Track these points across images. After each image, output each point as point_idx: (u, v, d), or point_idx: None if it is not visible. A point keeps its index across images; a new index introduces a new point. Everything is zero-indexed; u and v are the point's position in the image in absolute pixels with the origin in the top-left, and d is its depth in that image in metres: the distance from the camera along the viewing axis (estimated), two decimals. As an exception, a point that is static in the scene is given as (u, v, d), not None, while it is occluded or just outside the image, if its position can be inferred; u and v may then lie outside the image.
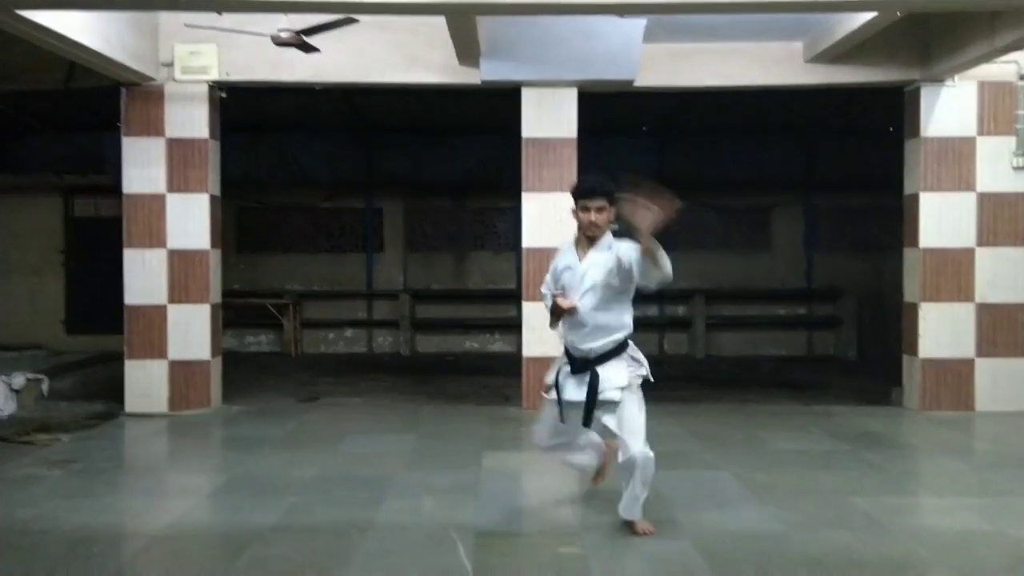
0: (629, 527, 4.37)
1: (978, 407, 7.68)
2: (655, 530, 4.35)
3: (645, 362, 4.45)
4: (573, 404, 4.34)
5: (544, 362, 7.74)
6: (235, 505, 4.91)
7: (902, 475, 5.69)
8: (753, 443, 6.52)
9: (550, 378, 4.49)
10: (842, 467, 5.78)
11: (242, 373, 9.84)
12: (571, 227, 7.77)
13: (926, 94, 7.68)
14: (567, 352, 4.43)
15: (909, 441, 6.83)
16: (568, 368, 4.40)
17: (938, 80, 7.62)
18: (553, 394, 4.44)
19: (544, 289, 4.60)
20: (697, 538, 4.30)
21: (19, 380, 8.21)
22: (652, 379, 4.46)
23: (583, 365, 4.33)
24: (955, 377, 7.71)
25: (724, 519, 4.64)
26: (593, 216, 4.30)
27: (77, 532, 4.41)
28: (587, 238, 4.38)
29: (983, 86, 7.65)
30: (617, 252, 4.26)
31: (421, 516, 4.70)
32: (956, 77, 7.59)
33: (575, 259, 4.39)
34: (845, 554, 4.07)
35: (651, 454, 4.27)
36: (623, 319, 4.39)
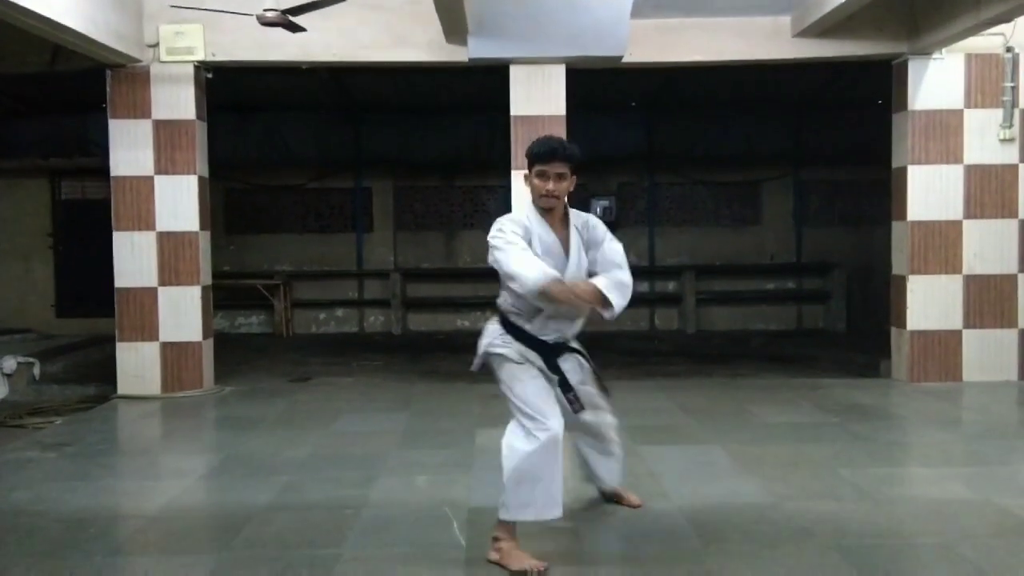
0: (616, 498, 4.44)
1: (965, 378, 7.76)
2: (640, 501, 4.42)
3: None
4: (569, 388, 3.80)
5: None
6: (230, 485, 4.94)
7: (890, 446, 5.76)
8: (743, 417, 6.58)
9: (513, 352, 3.77)
10: (830, 439, 5.85)
11: (234, 354, 9.85)
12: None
13: (914, 67, 7.70)
14: (527, 335, 3.77)
15: (897, 412, 6.90)
16: (535, 352, 3.78)
17: (926, 53, 7.63)
18: (531, 370, 3.74)
19: (522, 254, 3.57)
20: (687, 510, 4.35)
21: (10, 364, 8.22)
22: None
23: (557, 349, 3.82)
24: (942, 348, 7.78)
25: (714, 491, 4.70)
26: (552, 184, 3.75)
27: (73, 514, 4.44)
28: (542, 210, 3.79)
29: (970, 58, 7.67)
30: (587, 237, 3.83)
31: (414, 493, 4.74)
32: (944, 50, 7.60)
33: (553, 237, 3.75)
34: (833, 524, 4.13)
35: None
36: None
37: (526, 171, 3.93)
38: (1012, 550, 3.80)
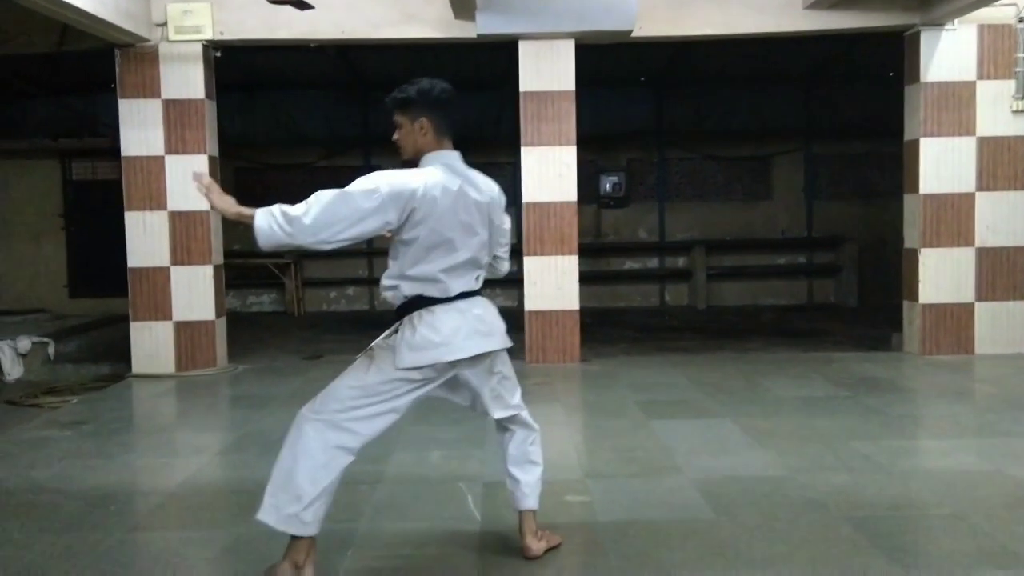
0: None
1: (977, 350, 7.76)
2: None
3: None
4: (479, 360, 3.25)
5: (546, 316, 7.83)
6: (246, 462, 4.99)
7: (902, 418, 5.77)
8: (754, 390, 6.59)
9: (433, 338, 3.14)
10: (842, 412, 5.86)
11: (246, 333, 9.90)
12: (570, 181, 7.83)
13: (926, 38, 7.63)
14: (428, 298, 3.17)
15: (909, 385, 6.90)
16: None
17: (938, 24, 7.56)
18: (428, 356, 3.12)
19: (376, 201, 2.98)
20: (700, 483, 4.37)
21: (25, 344, 8.28)
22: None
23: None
24: (955, 321, 7.77)
25: (726, 464, 4.71)
26: (395, 135, 3.37)
27: (92, 491, 4.49)
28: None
29: (983, 29, 7.60)
30: None
31: (429, 469, 4.78)
32: (956, 21, 7.53)
33: (472, 188, 3.26)
34: (845, 496, 4.15)
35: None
36: None
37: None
38: (1025, 521, 3.82)
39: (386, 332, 3.25)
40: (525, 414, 3.54)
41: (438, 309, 3.16)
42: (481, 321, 3.24)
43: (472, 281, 3.27)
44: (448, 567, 3.46)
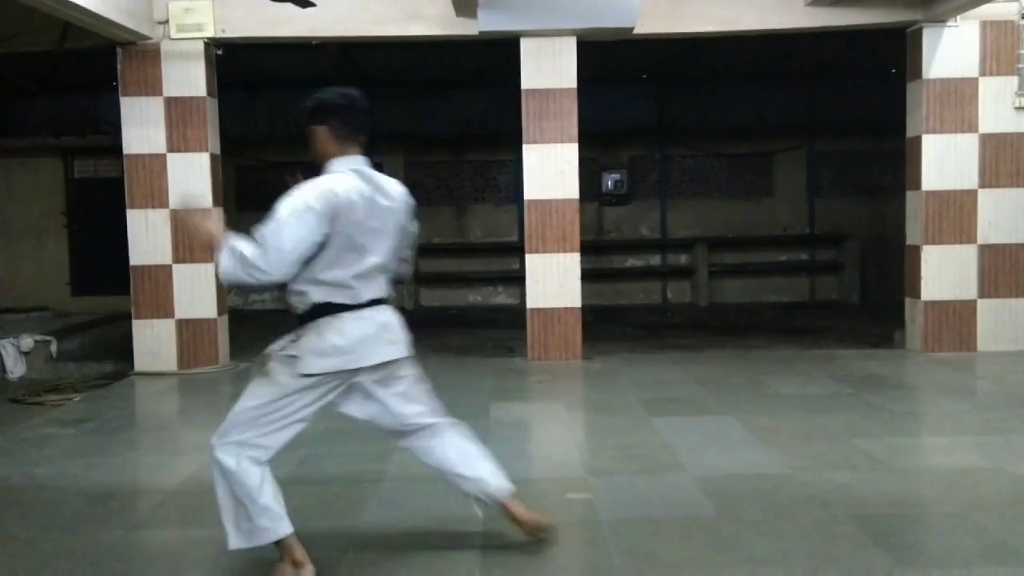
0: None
1: (980, 347, 7.75)
2: None
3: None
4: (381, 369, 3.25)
5: (548, 313, 7.83)
6: (248, 459, 4.98)
7: (904, 416, 5.76)
8: (757, 388, 6.59)
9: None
10: (845, 409, 5.85)
11: (247, 331, 9.89)
12: (571, 178, 7.82)
13: (928, 35, 7.62)
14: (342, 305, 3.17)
15: (911, 382, 6.90)
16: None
17: (940, 20, 7.54)
18: (334, 363, 3.13)
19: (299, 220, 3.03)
20: (702, 480, 4.37)
21: (27, 342, 8.30)
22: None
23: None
24: (957, 318, 7.76)
25: (728, 462, 4.71)
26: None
27: (94, 489, 4.49)
28: None
29: (985, 26, 7.58)
30: None
31: (431, 466, 4.76)
32: (958, 17, 7.52)
33: (381, 194, 3.23)
34: (848, 493, 4.15)
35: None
36: None
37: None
38: (1027, 518, 3.81)
39: (282, 341, 3.26)
40: (441, 416, 3.52)
41: (345, 316, 3.15)
42: (387, 329, 3.25)
43: (380, 288, 3.28)
44: (450, 565, 3.46)
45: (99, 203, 11.38)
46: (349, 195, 3.10)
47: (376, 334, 3.19)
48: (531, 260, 7.84)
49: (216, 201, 7.80)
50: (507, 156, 12.27)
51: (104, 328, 9.86)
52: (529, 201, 7.83)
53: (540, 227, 7.81)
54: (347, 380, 3.23)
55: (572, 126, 7.74)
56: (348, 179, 3.16)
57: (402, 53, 10.43)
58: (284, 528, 3.19)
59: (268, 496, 3.16)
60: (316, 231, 3.03)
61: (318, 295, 3.16)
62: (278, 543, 3.20)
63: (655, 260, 12.84)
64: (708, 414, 5.83)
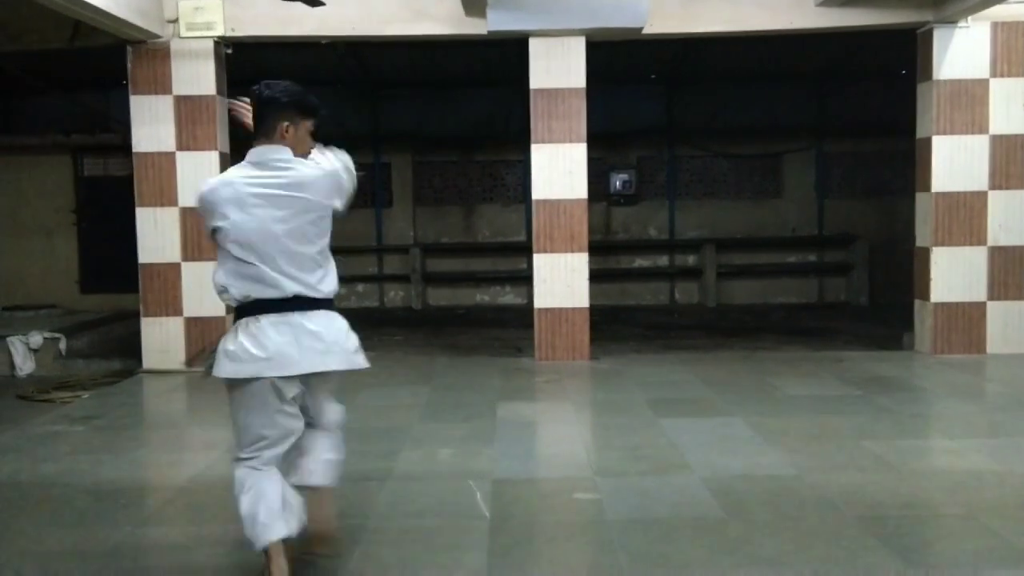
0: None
1: (989, 350, 7.71)
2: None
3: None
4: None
5: (556, 313, 7.82)
6: (255, 457, 4.99)
7: (913, 418, 5.74)
8: (765, 389, 6.57)
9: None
10: (853, 411, 5.83)
11: (256, 329, 9.90)
12: (579, 178, 7.82)
13: (939, 36, 7.58)
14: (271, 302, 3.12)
15: (920, 384, 6.87)
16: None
17: (951, 21, 7.51)
18: (247, 370, 3.05)
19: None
20: (710, 481, 4.36)
21: (37, 339, 8.32)
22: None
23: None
24: (967, 321, 7.72)
25: (736, 463, 4.70)
26: None
27: (103, 485, 4.51)
28: None
29: (996, 27, 7.55)
30: None
31: (438, 465, 4.78)
32: (969, 18, 7.48)
33: (264, 179, 3.23)
34: (856, 495, 4.13)
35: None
36: None
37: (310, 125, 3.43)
38: (1037, 521, 3.80)
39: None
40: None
41: (265, 320, 3.06)
42: (316, 338, 3.12)
43: (312, 281, 3.19)
44: (457, 563, 3.46)
45: (109, 201, 11.40)
46: (219, 188, 3.12)
47: (301, 342, 3.10)
48: (539, 260, 7.84)
49: (225, 199, 7.80)
50: (515, 156, 12.27)
51: (113, 326, 9.88)
52: (537, 201, 7.83)
53: (548, 227, 7.81)
54: (289, 382, 3.15)
55: (581, 126, 7.73)
56: (231, 170, 3.21)
57: (411, 53, 10.45)
58: (295, 525, 3.17)
59: (283, 497, 3.17)
60: (208, 226, 3.14)
61: (238, 290, 3.12)
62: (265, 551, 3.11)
63: (663, 261, 12.81)
64: (716, 415, 5.81)
